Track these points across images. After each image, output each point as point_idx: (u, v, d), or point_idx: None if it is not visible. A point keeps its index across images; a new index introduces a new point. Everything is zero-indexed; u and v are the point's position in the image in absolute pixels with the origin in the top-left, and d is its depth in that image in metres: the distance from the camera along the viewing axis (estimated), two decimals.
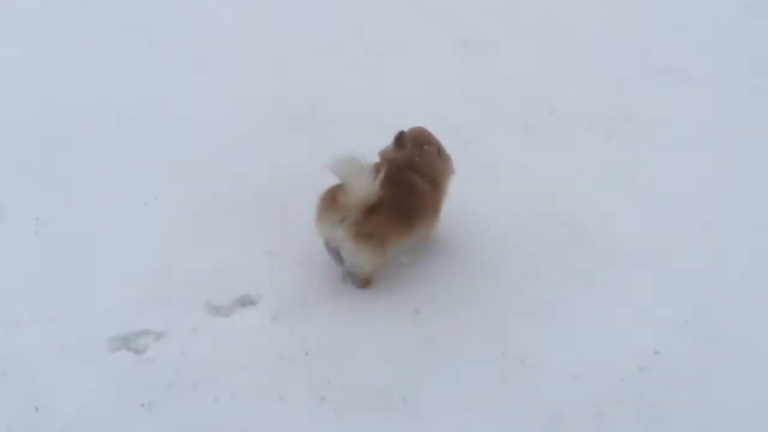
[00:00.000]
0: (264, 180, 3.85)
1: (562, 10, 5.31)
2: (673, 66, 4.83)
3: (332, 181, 2.99)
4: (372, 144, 3.83)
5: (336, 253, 3.15)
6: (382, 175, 2.97)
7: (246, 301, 3.18)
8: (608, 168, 4.03)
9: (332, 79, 4.69)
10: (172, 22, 5.22)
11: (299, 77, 4.72)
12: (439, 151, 3.41)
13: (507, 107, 4.50)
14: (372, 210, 2.96)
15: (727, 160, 4.05)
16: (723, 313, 3.19)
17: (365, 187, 2.90)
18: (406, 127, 3.41)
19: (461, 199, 3.55)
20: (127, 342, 2.98)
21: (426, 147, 3.36)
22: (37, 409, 2.72)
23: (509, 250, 3.49)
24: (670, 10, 5.26)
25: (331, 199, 3.00)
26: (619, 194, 3.84)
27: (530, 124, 4.33)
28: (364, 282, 3.24)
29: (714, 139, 4.23)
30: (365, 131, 4.11)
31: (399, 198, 3.06)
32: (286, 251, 3.41)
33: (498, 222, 3.65)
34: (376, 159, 3.36)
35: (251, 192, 3.77)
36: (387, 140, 3.42)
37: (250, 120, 4.34)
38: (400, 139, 3.32)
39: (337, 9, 5.35)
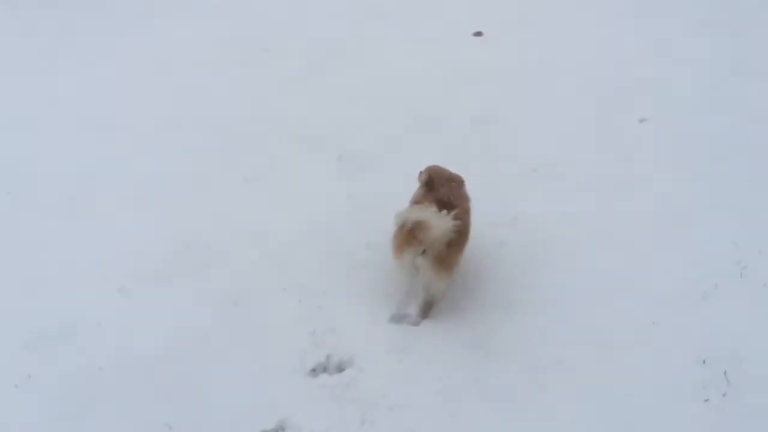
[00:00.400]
0: (151, 343, 3.53)
1: (427, 120, 5.41)
2: (540, 163, 4.96)
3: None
4: (253, 281, 3.72)
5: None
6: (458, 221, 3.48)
7: None
8: (507, 278, 4.02)
9: (209, 212, 4.45)
10: (25, 165, 4.80)
11: (172, 213, 4.43)
12: (461, 183, 3.95)
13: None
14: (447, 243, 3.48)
15: (613, 256, 4.13)
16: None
17: (446, 226, 3.40)
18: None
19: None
20: None
21: (453, 184, 3.89)
22: None
23: (422, 374, 3.42)
24: (530, 109, 5.51)
25: (411, 237, 3.44)
26: (523, 305, 3.84)
27: None
28: (430, 307, 3.74)
29: (595, 234, 4.31)
30: (247, 266, 4.02)
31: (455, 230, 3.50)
32: (188, 424, 3.10)
33: (407, 348, 3.55)
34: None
35: (138, 358, 3.45)
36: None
37: (124, 269, 4.00)
38: (431, 183, 3.83)
39: (210, 135, 5.18)
